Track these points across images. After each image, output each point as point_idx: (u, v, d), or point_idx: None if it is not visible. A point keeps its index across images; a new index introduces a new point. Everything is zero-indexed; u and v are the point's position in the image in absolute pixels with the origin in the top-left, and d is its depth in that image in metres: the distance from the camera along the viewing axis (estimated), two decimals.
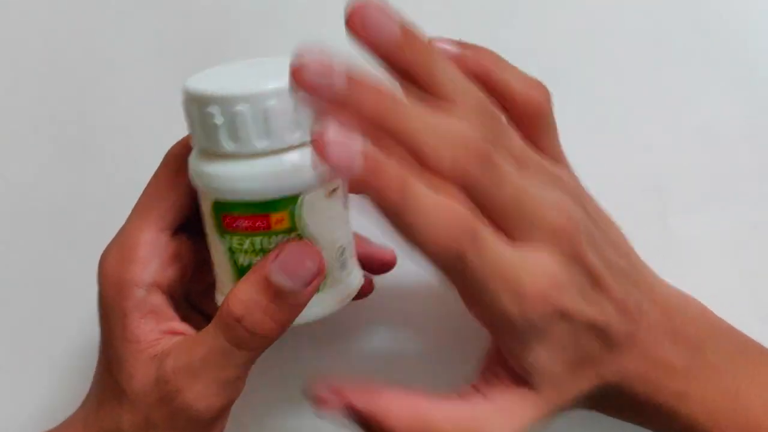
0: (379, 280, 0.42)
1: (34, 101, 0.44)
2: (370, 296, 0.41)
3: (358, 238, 0.40)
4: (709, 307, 0.41)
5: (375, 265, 0.41)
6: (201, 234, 0.36)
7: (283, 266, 0.32)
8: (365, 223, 0.41)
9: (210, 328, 0.33)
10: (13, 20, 0.43)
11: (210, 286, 0.37)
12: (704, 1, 0.40)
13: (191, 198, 0.35)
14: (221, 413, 0.34)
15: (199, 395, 0.33)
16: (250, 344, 0.32)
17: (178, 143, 0.36)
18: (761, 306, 0.42)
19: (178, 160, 0.35)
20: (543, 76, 0.41)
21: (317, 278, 0.33)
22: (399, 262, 0.41)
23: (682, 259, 0.42)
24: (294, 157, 0.32)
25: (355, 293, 0.37)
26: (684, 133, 0.42)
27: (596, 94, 0.42)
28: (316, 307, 0.34)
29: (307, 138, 0.32)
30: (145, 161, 0.37)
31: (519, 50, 0.41)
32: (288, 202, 0.32)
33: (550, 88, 0.41)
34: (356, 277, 0.37)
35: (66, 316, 0.46)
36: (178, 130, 0.36)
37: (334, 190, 0.34)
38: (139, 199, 0.36)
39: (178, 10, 0.42)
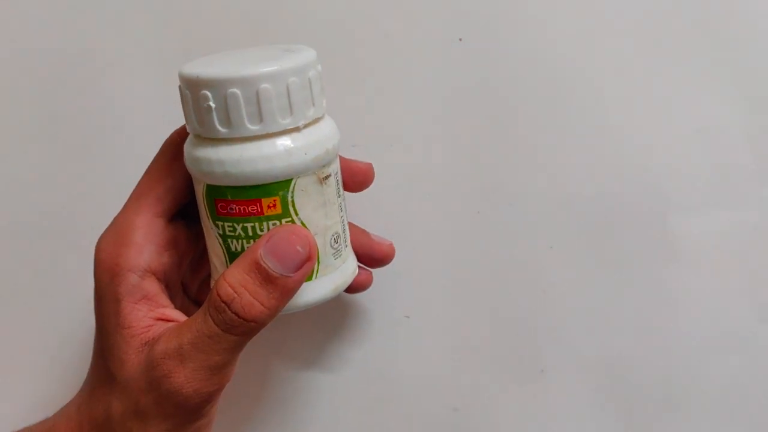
0: (377, 274, 0.41)
1: (34, 101, 0.44)
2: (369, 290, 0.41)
3: (356, 230, 0.40)
4: (709, 307, 0.41)
5: (373, 257, 0.40)
6: (200, 224, 0.35)
7: (273, 250, 0.32)
8: (363, 215, 0.41)
9: (200, 312, 0.33)
10: (13, 20, 0.44)
11: (209, 278, 0.37)
12: (705, 1, 0.40)
13: (188, 185, 0.35)
14: (209, 400, 0.34)
15: (188, 380, 0.32)
16: (239, 329, 0.32)
17: (176, 131, 0.36)
18: (761, 306, 0.42)
19: (174, 146, 0.36)
20: (544, 76, 0.41)
21: (307, 264, 0.33)
22: (397, 255, 0.41)
23: (682, 259, 0.42)
24: (286, 142, 0.32)
25: (350, 282, 0.36)
26: (684, 133, 0.41)
27: (596, 94, 0.42)
28: (308, 295, 0.34)
29: (300, 122, 0.32)
30: (144, 159, 0.37)
31: (519, 50, 0.41)
32: (280, 187, 0.32)
33: (551, 88, 0.41)
34: (350, 265, 0.37)
35: (65, 305, 0.46)
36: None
37: (327, 176, 0.34)
38: (136, 186, 0.36)
39: (178, 9, 0.43)
